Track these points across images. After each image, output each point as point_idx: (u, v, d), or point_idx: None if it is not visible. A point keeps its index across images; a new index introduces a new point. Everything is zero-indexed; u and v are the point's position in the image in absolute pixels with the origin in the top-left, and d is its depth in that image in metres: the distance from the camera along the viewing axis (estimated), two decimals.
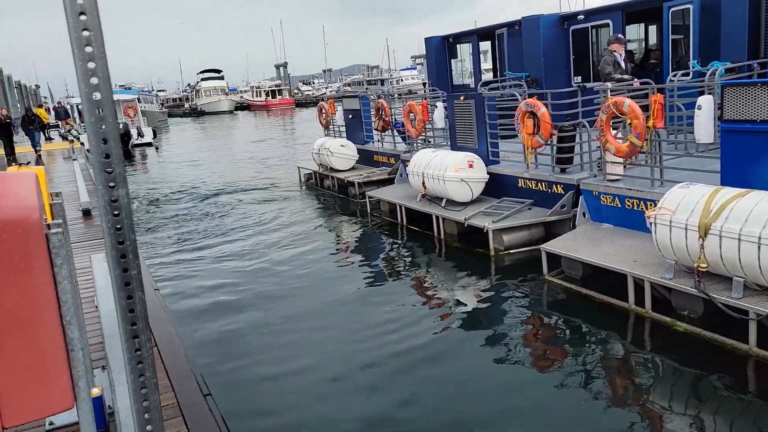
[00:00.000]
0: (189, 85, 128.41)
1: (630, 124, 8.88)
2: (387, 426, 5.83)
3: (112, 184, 1.65)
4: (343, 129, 19.53)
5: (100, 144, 1.61)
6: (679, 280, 7.12)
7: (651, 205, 8.78)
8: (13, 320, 3.09)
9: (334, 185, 17.88)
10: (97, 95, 1.52)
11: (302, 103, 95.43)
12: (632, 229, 9.17)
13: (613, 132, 9.42)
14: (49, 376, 3.31)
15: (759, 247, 6.02)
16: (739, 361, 6.28)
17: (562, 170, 10.71)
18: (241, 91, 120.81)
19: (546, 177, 10.84)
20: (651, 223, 7.31)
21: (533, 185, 11.16)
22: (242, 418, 5.99)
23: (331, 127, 20.38)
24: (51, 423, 4.36)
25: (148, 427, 1.80)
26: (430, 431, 5.71)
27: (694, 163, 9.17)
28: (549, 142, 10.53)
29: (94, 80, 1.49)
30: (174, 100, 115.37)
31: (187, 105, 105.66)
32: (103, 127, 1.61)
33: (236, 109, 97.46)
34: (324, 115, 20.60)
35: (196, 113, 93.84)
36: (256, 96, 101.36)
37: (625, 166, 9.64)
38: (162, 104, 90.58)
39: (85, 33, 1.42)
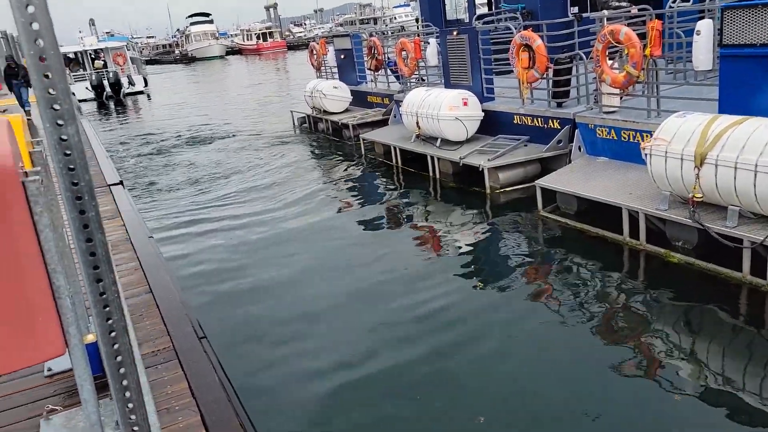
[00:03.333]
0: (178, 30, 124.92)
1: (626, 53, 8.64)
2: (387, 365, 5.92)
3: (60, 122, 1.55)
4: (336, 70, 19.08)
5: (43, 78, 1.51)
6: (673, 211, 7.09)
7: (647, 136, 8.62)
8: None
9: (328, 128, 17.62)
10: (35, 25, 1.41)
11: (294, 46, 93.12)
12: (628, 161, 9.08)
13: (610, 62, 9.18)
14: (37, 324, 3.32)
15: (755, 175, 5.95)
16: (733, 290, 6.32)
17: (559, 105, 10.50)
18: (231, 35, 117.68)
19: (542, 112, 10.64)
20: (646, 155, 7.21)
21: (529, 121, 10.97)
22: (237, 360, 6.09)
23: (323, 68, 19.91)
24: (49, 369, 4.41)
25: (121, 370, 1.77)
26: (433, 370, 5.79)
27: (691, 92, 8.98)
28: (545, 76, 10.28)
29: (30, 8, 1.38)
30: (164, 46, 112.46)
31: (177, 51, 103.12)
32: (45, 60, 1.50)
33: (227, 54, 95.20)
34: (315, 56, 20.10)
35: (187, 59, 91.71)
36: (247, 40, 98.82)
37: (621, 98, 9.45)
38: (140, 51, 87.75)
39: None
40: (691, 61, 8.78)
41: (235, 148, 17.83)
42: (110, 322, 1.70)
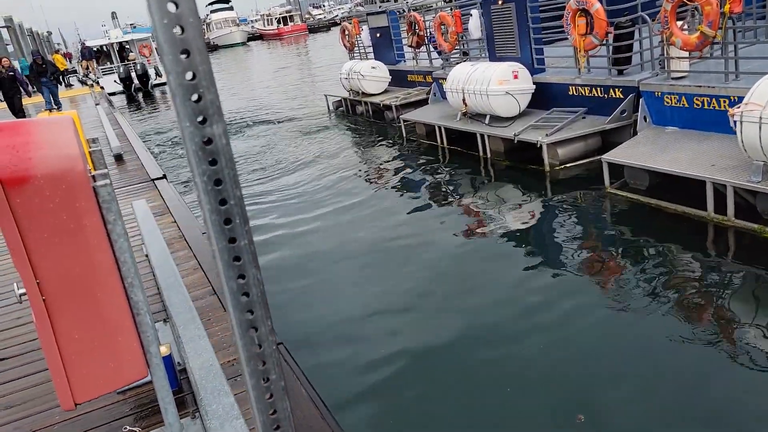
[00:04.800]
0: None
1: (700, 11, 7.93)
2: (442, 343, 5.54)
3: (201, 118, 1.09)
4: (370, 50, 18.48)
5: (179, 57, 1.07)
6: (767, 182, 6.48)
7: (725, 102, 7.98)
8: (70, 288, 2.72)
9: (368, 111, 17.10)
10: None
11: (315, 29, 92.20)
12: (702, 130, 8.42)
13: (679, 23, 8.47)
14: (118, 345, 2.97)
15: None
16: None
17: (620, 72, 9.82)
18: (251, 21, 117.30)
19: (602, 81, 9.96)
20: (736, 122, 6.58)
21: (586, 92, 10.31)
22: (315, 362, 5.76)
23: (356, 49, 19.34)
24: None
25: None
26: (491, 351, 5.39)
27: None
28: (604, 42, 9.60)
29: None
30: None
31: None
32: (184, 30, 1.06)
33: (249, 40, 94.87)
34: (348, 36, 19.49)
35: (210, 48, 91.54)
36: (268, 25, 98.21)
37: (690, 61, 8.75)
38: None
39: None
40: (764, 18, 8.03)
41: (272, 136, 17.48)
42: (267, 384, 1.29)
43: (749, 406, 4.32)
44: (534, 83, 11.08)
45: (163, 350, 3.90)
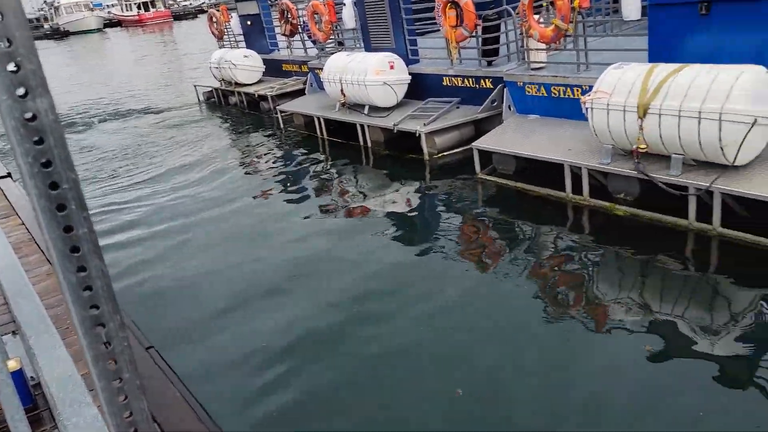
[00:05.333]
0: (45, 2, 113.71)
1: (553, 5, 8.51)
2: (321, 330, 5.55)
3: (22, 91, 0.97)
4: (241, 38, 17.86)
5: None
6: (617, 163, 7.12)
7: (578, 90, 8.65)
8: None
9: (242, 101, 16.52)
10: None
11: (180, 16, 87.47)
12: (560, 117, 9.06)
13: (536, 17, 9.05)
14: None
15: (699, 122, 6.02)
16: (680, 237, 6.45)
17: (489, 63, 10.30)
18: (108, 5, 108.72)
19: (473, 72, 10.39)
20: (587, 109, 7.15)
21: (459, 82, 10.71)
22: (188, 362, 5.48)
23: (225, 37, 18.60)
24: None
25: None
26: (372, 333, 5.49)
27: (618, 43, 9.05)
28: (474, 34, 10.01)
29: None
30: (30, 21, 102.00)
31: (46, 25, 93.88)
32: None
33: (105, 26, 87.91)
34: (216, 24, 18.70)
35: (59, 34, 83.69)
36: (127, 10, 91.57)
37: (548, 53, 9.38)
38: None
39: None
40: (615, 12, 8.82)
41: (134, 130, 16.36)
42: (118, 383, 1.18)
43: (597, 361, 4.74)
44: (409, 74, 11.32)
45: (12, 365, 3.52)
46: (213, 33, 19.01)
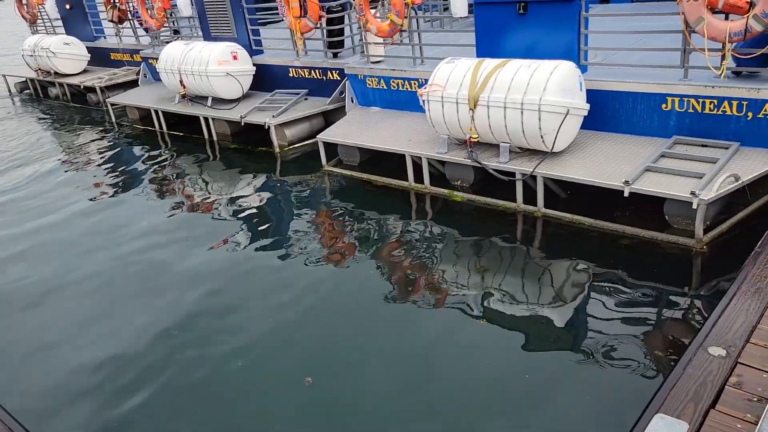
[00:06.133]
0: None
1: (389, 1, 8.75)
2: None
3: None
4: (59, 23, 16.10)
5: None
6: (452, 153, 7.52)
7: (415, 84, 9.00)
8: None
9: (64, 93, 14.93)
10: None
11: None
12: (400, 109, 9.39)
13: (373, 11, 9.24)
14: None
15: (522, 113, 6.55)
16: (510, 218, 6.99)
17: (335, 55, 10.32)
18: None
19: (319, 64, 10.34)
20: (424, 101, 7.46)
21: (306, 74, 10.61)
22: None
23: (40, 21, 16.66)
24: None
25: None
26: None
27: (449, 39, 9.55)
28: (318, 25, 9.96)
29: None
30: None
31: None
32: None
33: None
34: (26, 6, 16.68)
35: None
36: None
37: (385, 47, 9.64)
38: None
39: None
40: (446, 9, 9.28)
41: None
42: None
43: (453, 343, 5.00)
44: (254, 65, 10.99)
45: None
46: (23, 16, 16.95)
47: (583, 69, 7.17)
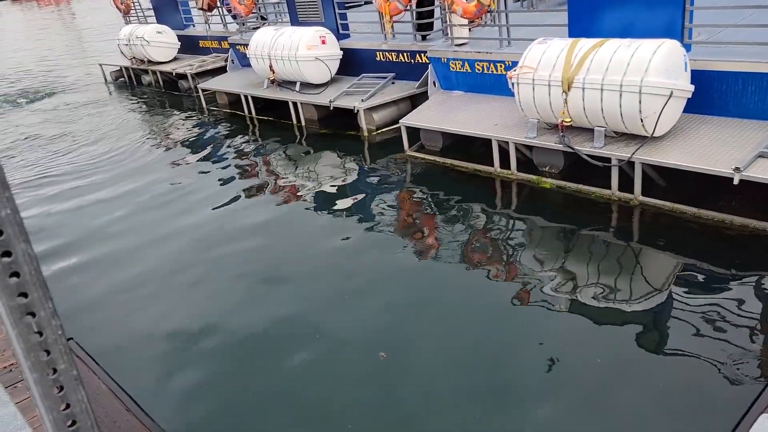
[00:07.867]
0: None
1: None
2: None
3: None
4: (150, 13, 16.82)
5: None
6: (542, 137, 7.27)
7: (501, 66, 8.75)
8: None
9: (157, 81, 15.60)
10: None
11: None
12: (484, 93, 9.16)
13: None
14: None
15: (620, 95, 6.22)
16: (604, 207, 6.69)
17: (423, 38, 10.20)
18: None
19: (408, 47, 10.23)
20: (513, 84, 7.24)
21: (394, 57, 10.54)
22: (112, 353, 5.14)
23: (133, 12, 17.48)
24: None
25: None
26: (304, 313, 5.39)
27: (538, 19, 9.22)
28: (408, 8, 9.87)
29: None
30: None
31: None
32: None
33: None
34: None
35: None
36: None
37: (470, 29, 9.42)
38: None
39: None
40: None
41: (40, 116, 15.10)
42: (62, 392, 1.01)
43: (529, 337, 4.85)
44: (341, 49, 11.06)
45: None
46: (118, 7, 17.83)
47: (687, 48, 6.72)
